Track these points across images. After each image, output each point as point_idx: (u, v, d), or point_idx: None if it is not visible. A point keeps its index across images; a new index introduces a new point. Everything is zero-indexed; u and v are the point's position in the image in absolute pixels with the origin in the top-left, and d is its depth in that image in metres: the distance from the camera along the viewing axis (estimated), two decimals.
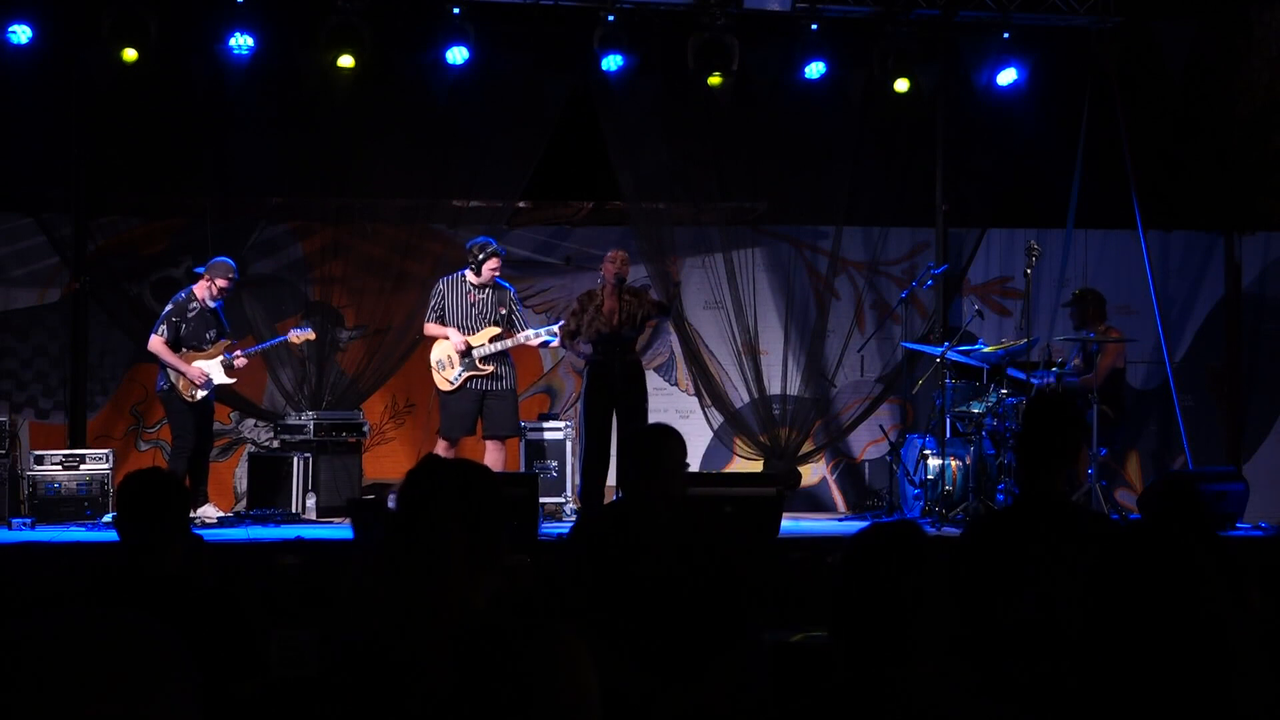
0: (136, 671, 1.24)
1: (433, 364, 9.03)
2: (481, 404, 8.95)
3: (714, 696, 4.13)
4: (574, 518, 9.01)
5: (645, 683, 4.08)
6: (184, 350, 8.82)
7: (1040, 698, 3.62)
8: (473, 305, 8.98)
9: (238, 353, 8.94)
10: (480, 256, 8.94)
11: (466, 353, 8.88)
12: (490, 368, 8.93)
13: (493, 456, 8.91)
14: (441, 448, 8.94)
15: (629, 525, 4.36)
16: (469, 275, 8.99)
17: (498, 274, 8.98)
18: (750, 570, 6.99)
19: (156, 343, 8.80)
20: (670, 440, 4.43)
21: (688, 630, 4.17)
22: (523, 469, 9.57)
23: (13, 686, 1.20)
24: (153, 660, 1.25)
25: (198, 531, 6.63)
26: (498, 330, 8.96)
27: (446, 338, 8.93)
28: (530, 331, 9.01)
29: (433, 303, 9.06)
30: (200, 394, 8.81)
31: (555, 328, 9.10)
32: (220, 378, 8.89)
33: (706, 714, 4.10)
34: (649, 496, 4.33)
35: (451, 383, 8.92)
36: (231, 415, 10.33)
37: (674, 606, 4.18)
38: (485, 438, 9.01)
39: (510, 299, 9.12)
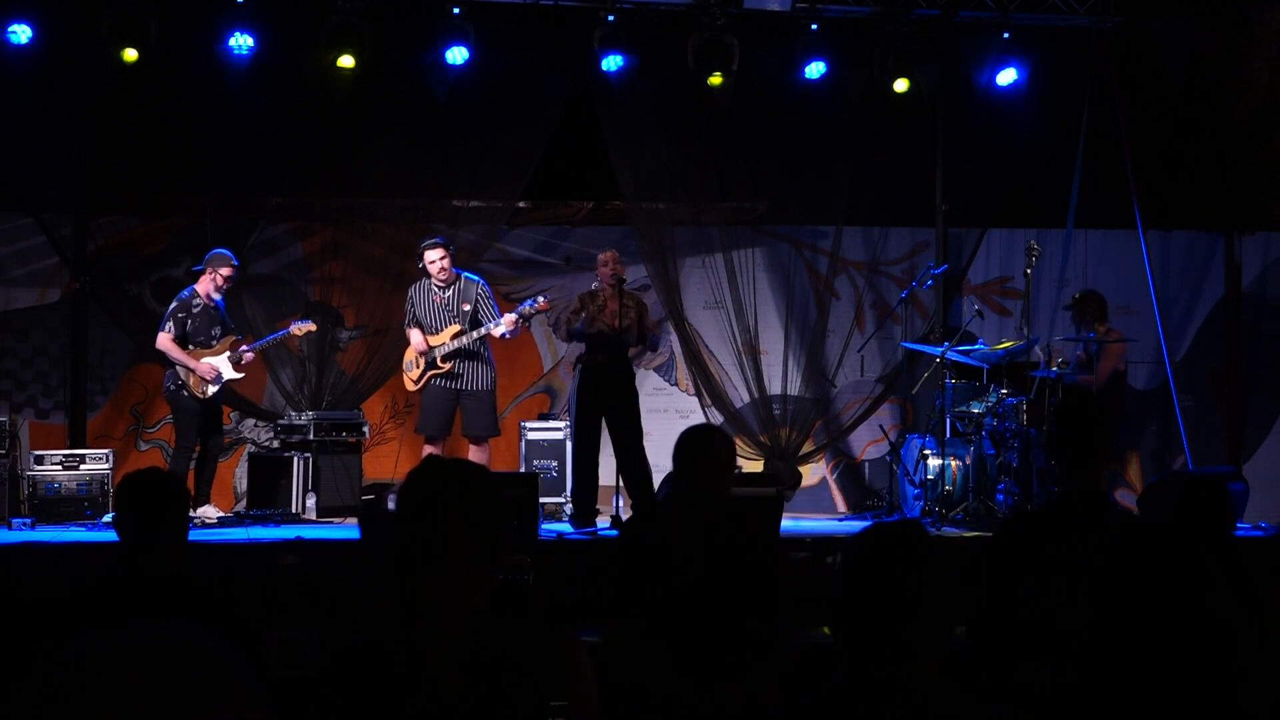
0: (209, 690, 1.22)
1: (403, 367, 9.13)
2: (457, 403, 8.98)
3: (759, 697, 4.14)
4: (567, 515, 9.03)
5: (688, 683, 4.10)
6: (191, 347, 8.82)
7: (1058, 700, 3.61)
8: (437, 304, 9.03)
9: (244, 348, 8.96)
10: (420, 253, 9.00)
11: (426, 352, 8.94)
12: (449, 365, 8.94)
13: (476, 457, 8.95)
14: (428, 451, 8.97)
15: (672, 525, 4.38)
16: (436, 278, 9.03)
17: (439, 265, 8.93)
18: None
19: (164, 340, 8.79)
20: (712, 440, 4.47)
21: (729, 632, 4.18)
22: (523, 469, 9.58)
23: (82, 706, 1.18)
24: (222, 678, 1.23)
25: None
26: (459, 328, 8.98)
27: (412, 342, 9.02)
28: (489, 326, 8.98)
29: (406, 308, 9.14)
30: (211, 389, 8.82)
31: (510, 317, 8.96)
32: (230, 373, 8.92)
33: (749, 716, 4.11)
34: (690, 496, 4.36)
35: (415, 382, 9.03)
36: (231, 415, 10.32)
37: (716, 608, 4.19)
38: (464, 436, 9.06)
39: (479, 292, 9.09)
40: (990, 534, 4.33)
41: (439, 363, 8.95)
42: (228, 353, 8.89)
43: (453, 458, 3.20)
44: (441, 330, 9.00)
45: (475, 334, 8.94)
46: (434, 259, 8.95)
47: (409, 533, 2.42)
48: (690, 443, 4.46)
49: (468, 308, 9.03)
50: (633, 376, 8.93)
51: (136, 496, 3.59)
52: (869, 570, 2.26)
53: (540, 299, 9.03)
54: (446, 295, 9.02)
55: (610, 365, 8.67)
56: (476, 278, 9.21)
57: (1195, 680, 2.10)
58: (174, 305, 8.88)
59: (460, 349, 8.94)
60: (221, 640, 1.25)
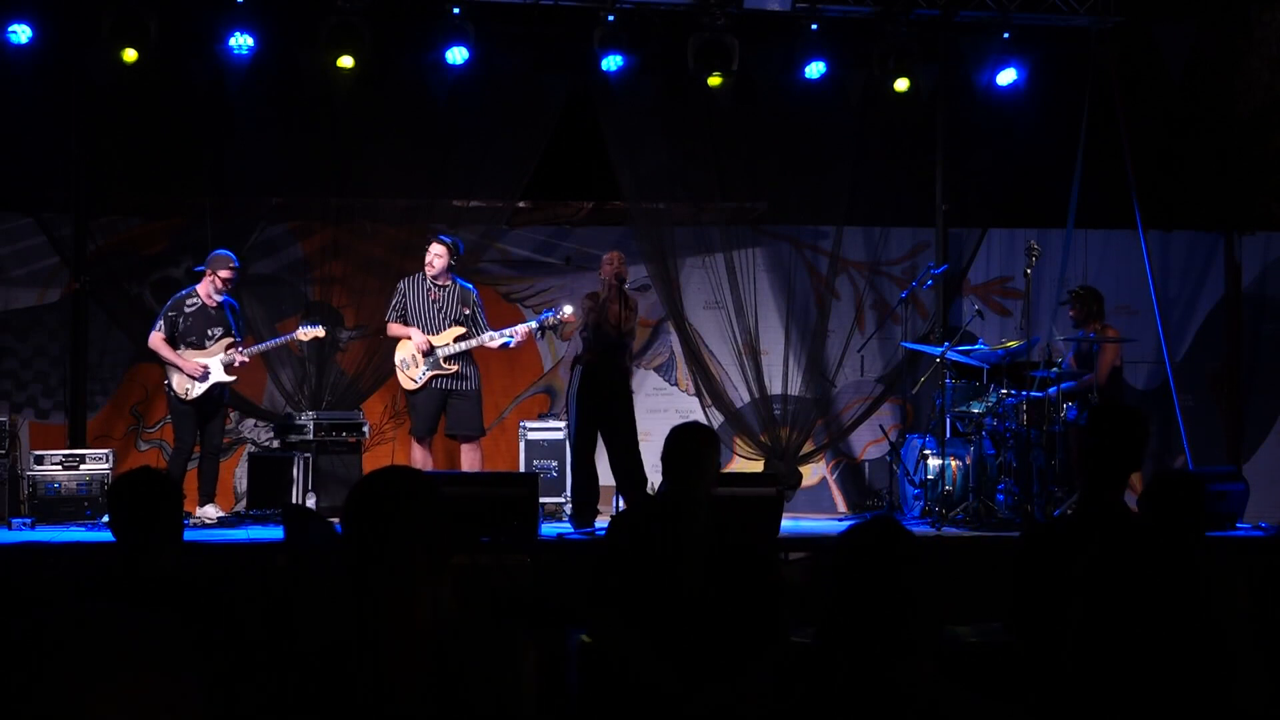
0: (140, 662, 1.25)
1: (397, 363, 9.13)
2: (445, 403, 8.99)
3: (750, 697, 4.14)
4: (567, 515, 9.02)
5: (681, 681, 4.11)
6: (182, 347, 8.82)
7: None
8: (434, 303, 9.03)
9: (240, 351, 8.92)
10: (429, 244, 9.03)
11: (429, 352, 8.92)
12: (454, 367, 8.95)
13: (469, 457, 8.99)
14: (418, 451, 8.98)
15: (670, 524, 4.38)
16: (427, 272, 9.03)
17: (442, 260, 8.98)
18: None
19: (155, 338, 8.85)
20: (713, 443, 4.49)
21: (726, 630, 4.19)
22: (523, 469, 9.58)
23: (24, 679, 1.22)
24: (155, 651, 1.26)
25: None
26: (462, 330, 8.99)
27: (409, 338, 8.99)
28: (491, 334, 9.02)
29: (394, 301, 9.14)
30: (197, 390, 8.78)
31: (524, 328, 9.08)
32: (219, 375, 8.87)
33: (742, 714, 4.12)
34: (690, 496, 4.37)
35: (416, 381, 9.00)
36: (231, 415, 10.32)
37: (713, 606, 4.20)
38: (448, 436, 9.08)
39: (473, 300, 9.14)
40: (992, 535, 4.35)
41: (443, 364, 8.95)
42: (221, 354, 8.86)
43: (393, 465, 3.28)
44: (440, 331, 9.00)
45: (481, 340, 8.94)
46: (438, 252, 8.98)
47: (362, 540, 2.50)
48: (692, 445, 4.47)
49: (468, 312, 9.05)
50: (629, 379, 8.94)
51: (128, 497, 3.59)
52: (864, 565, 2.27)
53: (567, 309, 8.99)
54: (441, 295, 9.03)
55: (609, 367, 8.66)
56: (470, 286, 9.23)
57: (1190, 679, 2.10)
58: (168, 304, 8.93)
59: (462, 352, 8.96)
60: (164, 622, 1.30)
